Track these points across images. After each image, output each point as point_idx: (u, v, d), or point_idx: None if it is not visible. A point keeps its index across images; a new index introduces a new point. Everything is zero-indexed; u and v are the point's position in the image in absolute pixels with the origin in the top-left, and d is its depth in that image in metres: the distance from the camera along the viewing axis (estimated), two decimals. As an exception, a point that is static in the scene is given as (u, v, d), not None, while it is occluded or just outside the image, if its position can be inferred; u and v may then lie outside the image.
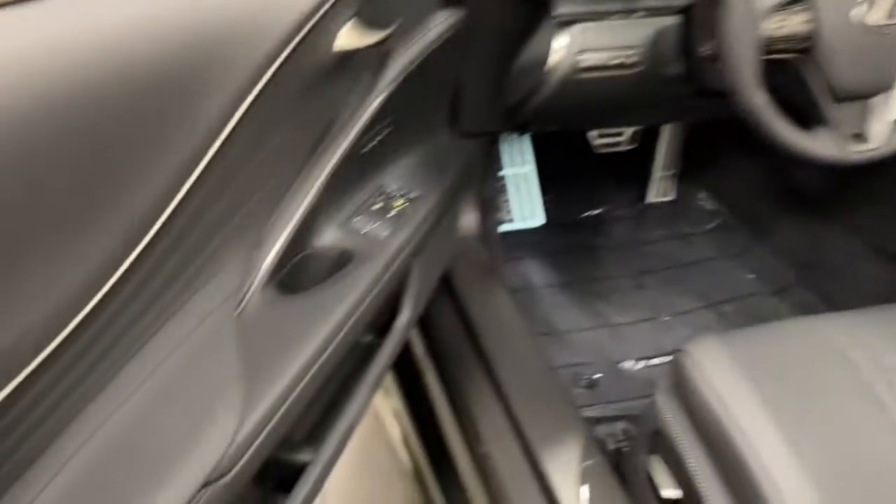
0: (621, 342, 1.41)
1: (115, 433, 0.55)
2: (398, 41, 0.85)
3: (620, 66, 1.06)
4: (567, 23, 1.05)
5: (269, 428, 0.64)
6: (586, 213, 1.73)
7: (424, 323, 1.19)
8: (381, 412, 1.43)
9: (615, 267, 1.58)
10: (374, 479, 1.33)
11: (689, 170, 1.76)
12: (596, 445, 0.97)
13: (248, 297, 0.72)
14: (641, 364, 1.36)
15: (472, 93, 1.17)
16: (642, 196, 1.80)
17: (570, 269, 1.56)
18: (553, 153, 1.67)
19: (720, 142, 1.70)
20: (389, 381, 1.40)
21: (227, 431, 0.59)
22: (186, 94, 0.53)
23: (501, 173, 1.71)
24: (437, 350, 1.17)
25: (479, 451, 1.02)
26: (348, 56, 0.71)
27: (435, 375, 1.19)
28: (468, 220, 1.34)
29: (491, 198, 1.52)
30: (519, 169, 1.74)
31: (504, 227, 1.67)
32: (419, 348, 1.25)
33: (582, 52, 1.05)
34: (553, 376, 1.08)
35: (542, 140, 1.69)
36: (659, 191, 1.81)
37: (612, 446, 1.14)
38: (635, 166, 1.75)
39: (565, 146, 1.56)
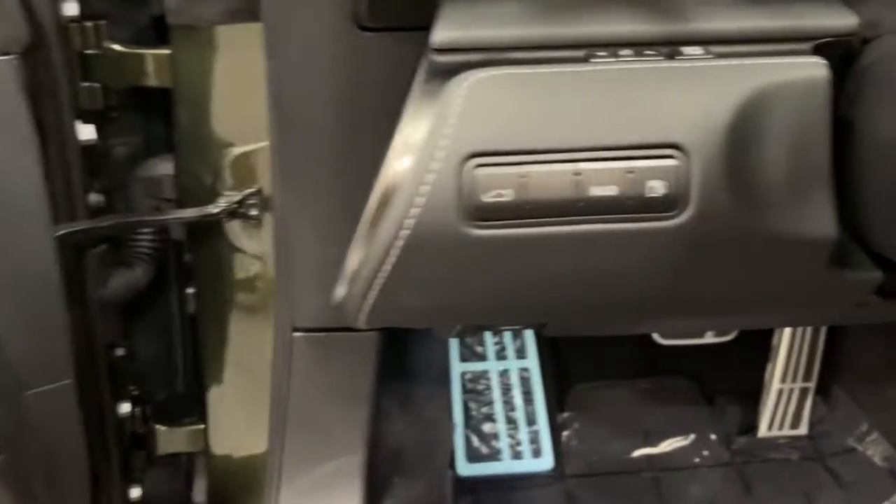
0: None
1: None
2: None
3: None
4: None
5: None
6: (636, 453, 1.19)
7: None
8: None
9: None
10: None
11: (836, 378, 1.25)
12: None
13: None
14: None
15: None
16: (749, 424, 1.23)
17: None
18: (574, 342, 1.22)
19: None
20: None
21: None
22: None
23: (479, 367, 1.19)
24: None
25: None
26: None
27: None
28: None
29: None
30: (509, 363, 1.20)
31: (488, 470, 1.12)
32: None
33: None
34: None
35: None
36: (779, 416, 1.24)
37: None
38: (732, 368, 1.25)
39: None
